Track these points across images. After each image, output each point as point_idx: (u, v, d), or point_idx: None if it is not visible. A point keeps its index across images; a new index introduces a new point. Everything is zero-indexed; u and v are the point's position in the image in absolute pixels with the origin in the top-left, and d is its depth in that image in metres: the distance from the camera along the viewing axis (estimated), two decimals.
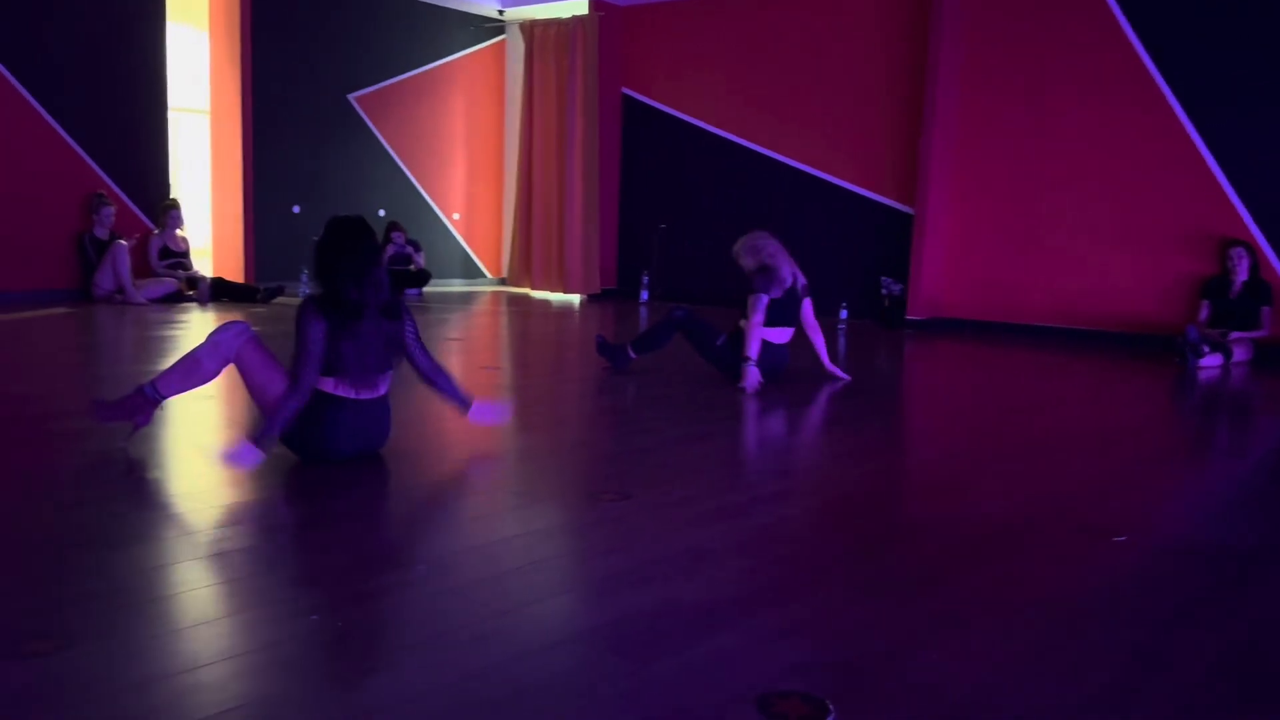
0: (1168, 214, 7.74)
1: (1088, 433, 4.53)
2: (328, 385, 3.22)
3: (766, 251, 5.31)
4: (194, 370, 3.35)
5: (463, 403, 3.64)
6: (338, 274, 3.19)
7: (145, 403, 3.41)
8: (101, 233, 8.43)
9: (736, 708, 1.72)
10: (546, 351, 6.92)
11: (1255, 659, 2.05)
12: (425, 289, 10.64)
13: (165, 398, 3.42)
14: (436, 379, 3.56)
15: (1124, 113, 7.85)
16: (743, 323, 5.25)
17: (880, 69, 9.07)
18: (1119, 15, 7.81)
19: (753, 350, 5.04)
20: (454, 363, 6.13)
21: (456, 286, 11.55)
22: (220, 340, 3.31)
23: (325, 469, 3.27)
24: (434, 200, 11.38)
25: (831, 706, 1.72)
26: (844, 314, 9.06)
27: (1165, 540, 2.88)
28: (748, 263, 5.35)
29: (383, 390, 3.36)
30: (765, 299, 5.14)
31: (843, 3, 9.27)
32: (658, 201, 10.73)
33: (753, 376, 5.02)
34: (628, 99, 10.90)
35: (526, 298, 10.74)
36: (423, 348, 3.51)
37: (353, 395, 3.24)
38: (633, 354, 5.62)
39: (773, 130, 9.79)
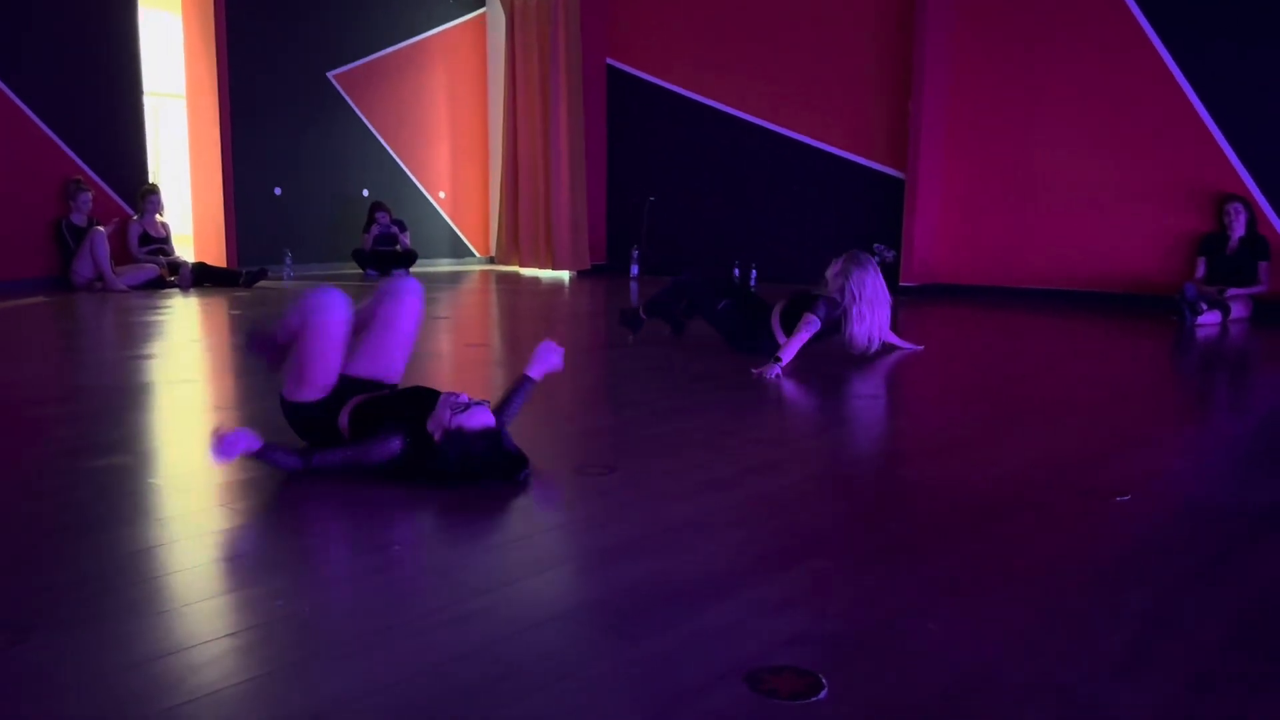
0: (1163, 171, 7.63)
1: (1087, 394, 4.44)
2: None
3: (859, 297, 4.87)
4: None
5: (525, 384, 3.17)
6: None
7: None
8: (79, 219, 8.28)
9: (727, 684, 1.63)
10: (536, 328, 6.82)
11: (1272, 618, 1.96)
12: (412, 269, 10.51)
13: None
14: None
15: (1117, 70, 7.72)
16: (777, 312, 5.08)
17: (868, 32, 8.91)
18: None
19: (787, 355, 4.77)
20: (442, 341, 6.03)
21: (444, 266, 11.42)
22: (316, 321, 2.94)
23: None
24: (419, 179, 11.23)
25: (825, 681, 1.63)
26: None
27: (1172, 500, 2.80)
28: (835, 292, 4.91)
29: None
30: (817, 324, 4.79)
31: None
32: (646, 174, 10.58)
33: (773, 372, 4.87)
34: (612, 69, 10.73)
35: (516, 276, 10.61)
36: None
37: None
38: (643, 316, 5.47)
39: (760, 97, 9.64)
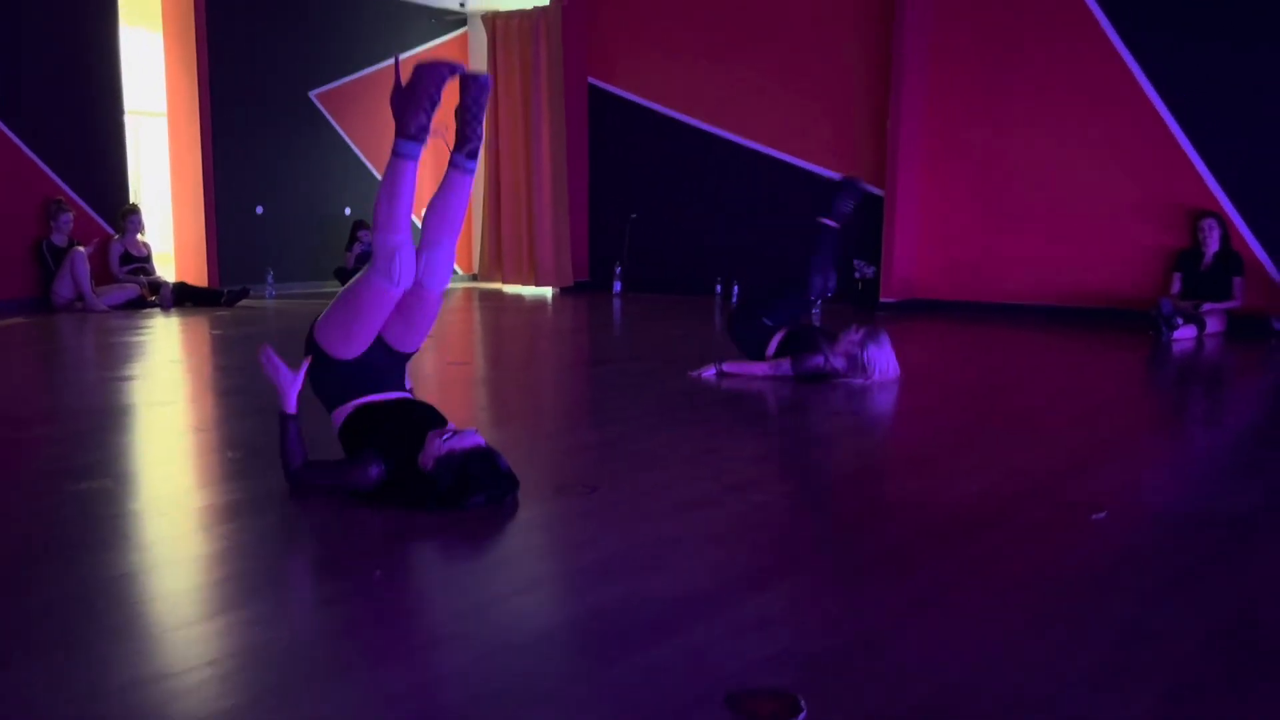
0: (1138, 188, 7.72)
1: (1066, 408, 4.48)
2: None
3: (869, 374, 4.82)
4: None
5: None
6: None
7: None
8: (60, 240, 8.24)
9: (707, 706, 1.64)
10: (519, 345, 6.82)
11: (1246, 629, 1.99)
12: None
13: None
14: None
15: (1092, 89, 7.81)
16: (783, 333, 5.05)
17: (847, 51, 8.99)
18: None
19: (731, 369, 4.89)
20: (425, 360, 6.02)
21: None
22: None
23: (278, 473, 3.17)
24: None
25: (803, 704, 1.64)
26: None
27: (1149, 512, 2.83)
28: (842, 355, 4.85)
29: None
30: (788, 372, 4.84)
31: None
32: (628, 191, 10.62)
33: (708, 372, 4.93)
34: (594, 89, 10.78)
35: (499, 293, 10.62)
36: None
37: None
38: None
39: (741, 116, 9.70)
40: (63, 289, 8.10)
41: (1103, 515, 2.72)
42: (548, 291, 10.76)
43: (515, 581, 2.26)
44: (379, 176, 10.75)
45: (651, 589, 2.17)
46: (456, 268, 11.79)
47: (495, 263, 11.46)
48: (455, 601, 2.10)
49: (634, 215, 10.45)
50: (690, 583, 2.21)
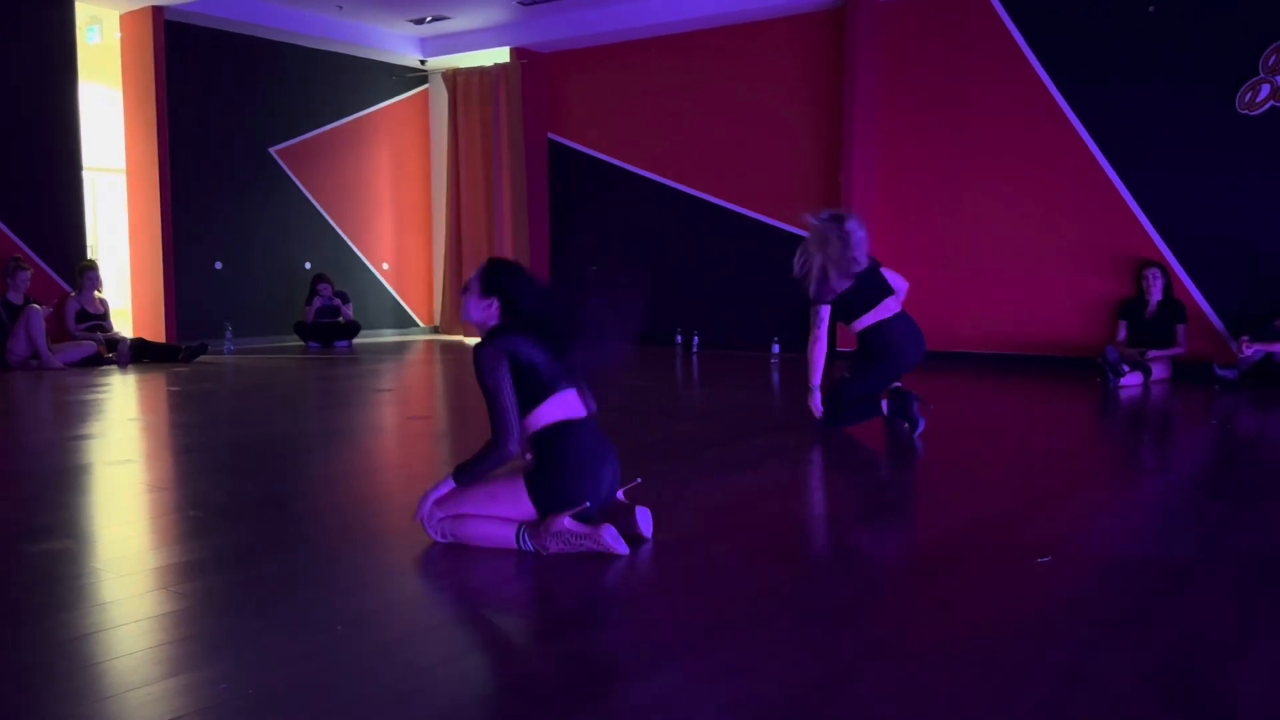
0: (1083, 239, 7.96)
1: (1015, 455, 4.59)
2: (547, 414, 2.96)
3: (816, 248, 4.75)
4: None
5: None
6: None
7: None
8: (16, 298, 8.18)
9: None
10: (480, 398, 6.85)
11: (1183, 672, 2.07)
12: (355, 340, 10.50)
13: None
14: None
15: (1038, 144, 8.08)
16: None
17: (799, 105, 9.23)
18: (1022, 44, 8.06)
19: (815, 374, 4.88)
20: (385, 414, 6.04)
21: (388, 336, 11.41)
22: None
23: (240, 531, 3.18)
24: (362, 251, 11.27)
25: None
26: (776, 348, 9.13)
27: (1095, 557, 2.92)
28: (805, 274, 4.87)
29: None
30: (824, 309, 4.78)
31: (759, 41, 9.44)
32: (588, 245, 10.74)
33: (814, 402, 4.94)
34: (554, 144, 10.95)
35: (460, 345, 10.65)
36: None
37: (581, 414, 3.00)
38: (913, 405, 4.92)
39: (698, 170, 9.90)
40: (18, 346, 8.02)
41: (1047, 560, 2.80)
42: None
43: (479, 637, 2.30)
44: (339, 231, 10.89)
45: (612, 640, 2.21)
46: (417, 319, 11.84)
47: (456, 315, 11.51)
48: (420, 657, 2.13)
49: (593, 267, 10.55)
50: (651, 633, 2.26)
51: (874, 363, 4.93)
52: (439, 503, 2.98)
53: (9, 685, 1.98)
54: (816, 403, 4.98)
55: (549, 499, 2.89)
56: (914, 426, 4.82)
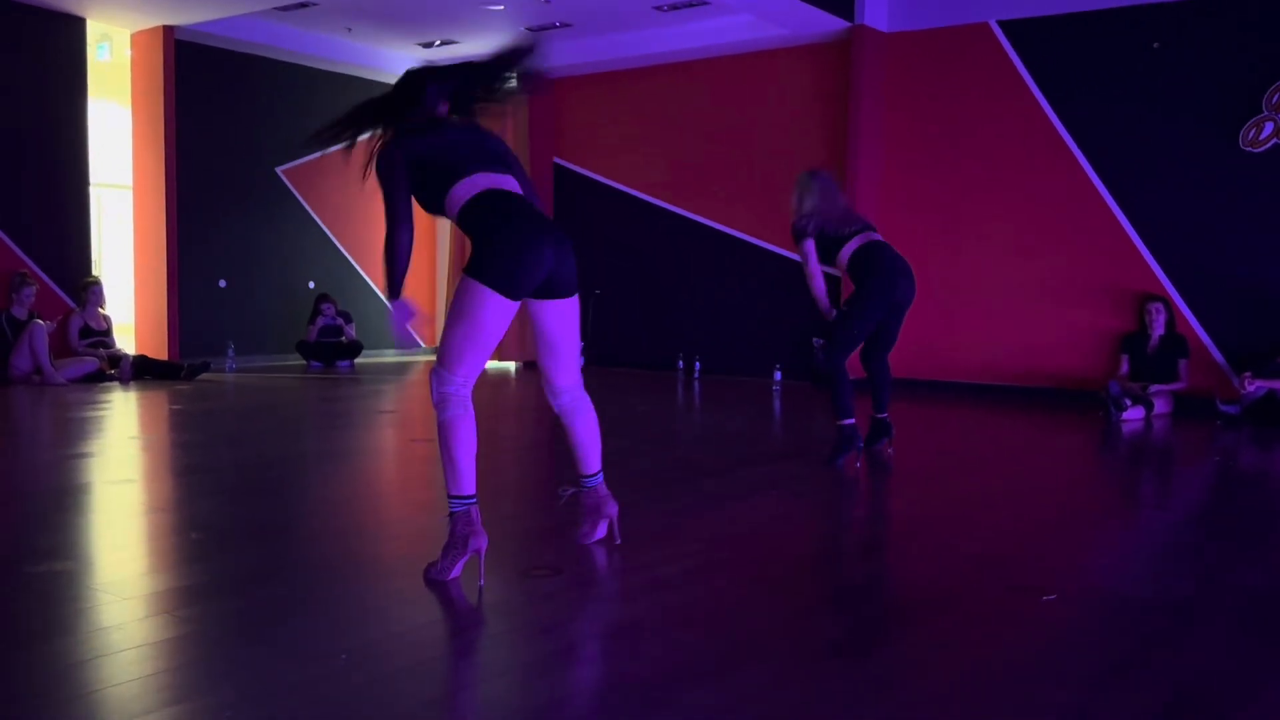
0: (1086, 272, 7.98)
1: (1017, 489, 4.58)
2: (466, 188, 2.86)
3: (807, 199, 5.01)
4: None
5: None
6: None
7: None
8: (20, 313, 8.19)
9: None
10: (480, 421, 6.84)
11: (1187, 714, 2.06)
12: (358, 360, 10.51)
13: None
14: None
15: (1039, 175, 8.11)
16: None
17: (802, 133, 9.28)
18: (1028, 80, 8.11)
19: (821, 304, 5.11)
20: (386, 436, 6.04)
21: (390, 357, 11.42)
22: None
23: (242, 555, 3.17)
24: (365, 271, 11.30)
25: None
26: (778, 375, 9.14)
27: (1097, 595, 2.91)
28: (800, 217, 5.05)
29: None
30: (810, 245, 4.96)
31: (763, 71, 9.50)
32: (592, 268, 10.76)
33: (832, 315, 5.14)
34: (559, 168, 10.99)
35: None
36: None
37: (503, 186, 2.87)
38: (859, 444, 5.07)
39: (702, 196, 9.94)
40: (20, 361, 8.03)
41: (1052, 597, 2.80)
42: (511, 366, 10.82)
43: (480, 670, 2.29)
44: (344, 251, 10.92)
45: (610, 676, 2.21)
46: (420, 341, 11.85)
47: None
48: (423, 689, 2.13)
49: (598, 291, 10.59)
50: (650, 670, 2.25)
51: (867, 292, 5.05)
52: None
53: (5, 712, 1.98)
54: (830, 315, 5.16)
55: (481, 267, 2.79)
56: (890, 439, 5.27)
